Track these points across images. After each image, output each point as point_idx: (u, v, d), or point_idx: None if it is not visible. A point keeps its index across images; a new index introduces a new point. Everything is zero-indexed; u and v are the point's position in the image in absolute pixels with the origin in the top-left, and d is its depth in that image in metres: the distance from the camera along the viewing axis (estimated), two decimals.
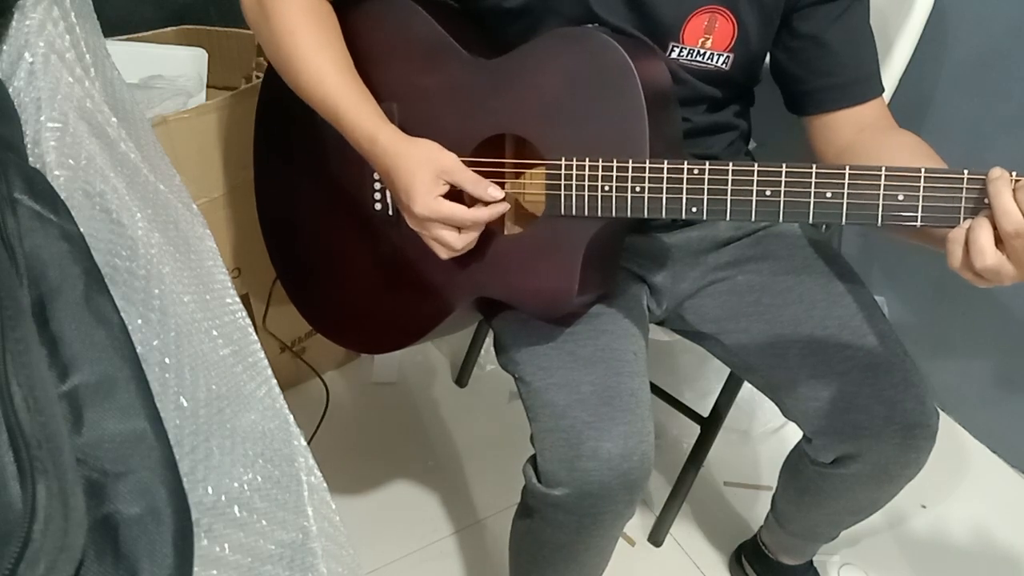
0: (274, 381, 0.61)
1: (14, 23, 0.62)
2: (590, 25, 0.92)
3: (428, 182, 0.89)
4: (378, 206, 1.06)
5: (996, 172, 0.70)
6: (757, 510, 1.45)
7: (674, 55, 0.94)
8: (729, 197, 0.81)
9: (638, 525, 1.42)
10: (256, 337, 0.63)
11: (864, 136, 0.97)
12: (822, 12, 0.95)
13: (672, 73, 0.92)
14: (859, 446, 0.96)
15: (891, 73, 1.13)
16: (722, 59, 0.95)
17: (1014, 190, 0.69)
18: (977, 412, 1.58)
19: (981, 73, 1.35)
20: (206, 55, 1.46)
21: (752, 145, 1.15)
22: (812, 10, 0.95)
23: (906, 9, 1.12)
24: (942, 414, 0.98)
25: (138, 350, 0.50)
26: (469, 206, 0.91)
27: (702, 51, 0.94)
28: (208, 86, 1.46)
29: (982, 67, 1.35)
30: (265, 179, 1.23)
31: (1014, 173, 0.70)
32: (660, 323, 1.14)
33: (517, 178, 0.93)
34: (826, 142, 1.00)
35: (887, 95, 1.14)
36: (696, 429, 1.34)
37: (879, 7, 1.14)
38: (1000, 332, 1.48)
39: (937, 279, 1.53)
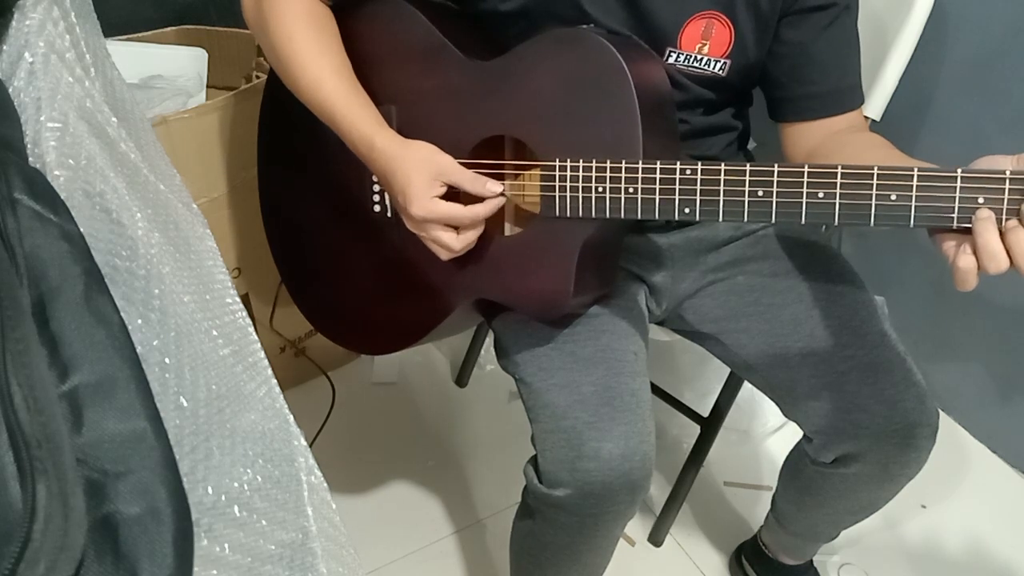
0: (274, 381, 0.61)
1: (14, 23, 0.62)
2: (584, 26, 0.92)
3: (425, 184, 0.89)
4: (377, 208, 1.06)
5: (984, 213, 0.69)
6: (757, 510, 1.45)
7: (671, 60, 0.94)
8: (721, 198, 0.80)
9: (638, 525, 1.42)
10: (256, 337, 0.63)
11: (833, 139, 0.97)
12: (811, 20, 0.94)
13: (669, 78, 0.92)
14: (859, 446, 0.96)
15: (891, 73, 1.13)
16: (719, 65, 0.95)
17: (1001, 232, 0.69)
18: (977, 412, 1.58)
19: (981, 73, 1.35)
20: (206, 55, 1.46)
21: (752, 145, 1.15)
22: (801, 17, 0.94)
23: (906, 10, 1.11)
24: (942, 414, 0.98)
25: (138, 350, 0.50)
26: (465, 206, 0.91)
27: (699, 57, 0.94)
28: (208, 86, 1.46)
29: (982, 67, 1.35)
30: (268, 180, 1.23)
31: (1003, 216, 0.69)
32: (660, 323, 1.14)
33: (515, 179, 0.93)
34: (794, 145, 1.00)
35: (887, 95, 1.14)
36: (696, 429, 1.34)
37: (879, 7, 1.14)
38: (1000, 332, 1.47)
39: (937, 279, 1.53)
